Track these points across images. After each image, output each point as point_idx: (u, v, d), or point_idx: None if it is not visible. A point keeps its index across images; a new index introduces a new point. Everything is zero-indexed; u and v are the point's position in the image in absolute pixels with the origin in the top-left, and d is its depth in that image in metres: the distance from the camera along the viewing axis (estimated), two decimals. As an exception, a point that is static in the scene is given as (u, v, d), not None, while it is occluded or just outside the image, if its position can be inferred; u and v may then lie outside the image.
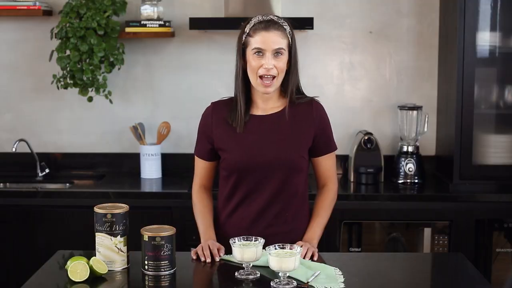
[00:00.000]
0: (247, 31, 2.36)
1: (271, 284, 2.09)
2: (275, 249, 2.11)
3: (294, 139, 2.41)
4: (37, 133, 3.96)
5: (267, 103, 2.43)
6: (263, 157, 2.38)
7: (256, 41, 2.33)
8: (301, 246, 2.26)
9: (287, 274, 2.09)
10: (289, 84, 2.40)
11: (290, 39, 2.38)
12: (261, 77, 2.34)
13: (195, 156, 2.56)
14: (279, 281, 2.09)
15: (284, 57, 2.35)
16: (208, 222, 2.50)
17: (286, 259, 2.07)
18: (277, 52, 2.33)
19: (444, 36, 3.71)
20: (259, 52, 2.32)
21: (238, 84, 2.40)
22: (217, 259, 2.29)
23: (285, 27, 2.37)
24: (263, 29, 2.33)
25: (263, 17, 2.37)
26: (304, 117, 2.43)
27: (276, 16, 2.41)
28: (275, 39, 2.32)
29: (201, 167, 2.55)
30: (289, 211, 2.45)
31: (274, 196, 2.41)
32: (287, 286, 2.08)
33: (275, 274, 2.17)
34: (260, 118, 2.42)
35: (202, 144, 2.50)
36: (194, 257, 2.33)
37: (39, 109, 3.95)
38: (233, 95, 2.46)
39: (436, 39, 3.83)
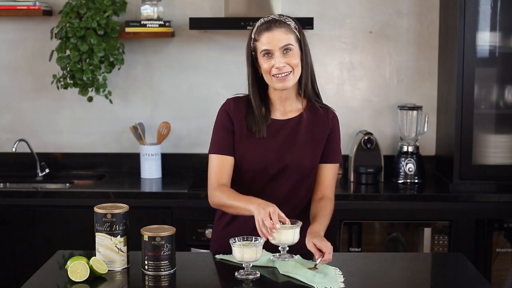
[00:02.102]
0: (253, 37, 2.35)
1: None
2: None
3: (310, 145, 2.40)
4: (37, 133, 3.96)
5: (285, 104, 2.41)
6: (279, 161, 2.37)
7: (262, 43, 2.31)
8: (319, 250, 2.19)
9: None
10: (302, 79, 2.37)
11: (297, 33, 2.34)
12: (274, 75, 2.31)
13: (212, 155, 2.41)
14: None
15: (295, 52, 2.32)
16: (244, 196, 2.29)
17: (285, 231, 2.06)
18: (285, 49, 2.30)
19: (444, 36, 3.71)
20: (268, 53, 2.31)
21: (252, 90, 2.38)
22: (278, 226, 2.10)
23: (288, 22, 2.33)
24: (266, 29, 2.30)
25: (265, 18, 2.36)
26: (320, 125, 2.43)
27: (279, 14, 2.39)
28: (279, 37, 2.29)
29: (220, 163, 2.38)
30: (296, 215, 2.42)
31: (282, 201, 2.38)
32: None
33: (275, 274, 2.18)
34: (279, 123, 2.41)
35: (224, 138, 2.39)
36: (265, 238, 2.14)
37: (39, 109, 3.95)
38: (246, 93, 2.45)
39: (436, 39, 3.83)
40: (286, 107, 2.42)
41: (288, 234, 2.10)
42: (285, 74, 2.30)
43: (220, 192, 2.34)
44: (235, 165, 2.41)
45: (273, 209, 2.14)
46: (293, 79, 2.33)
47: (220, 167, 2.38)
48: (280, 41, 2.29)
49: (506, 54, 3.51)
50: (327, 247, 2.17)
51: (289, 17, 2.37)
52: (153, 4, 3.73)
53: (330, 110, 2.47)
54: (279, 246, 2.14)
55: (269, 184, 2.40)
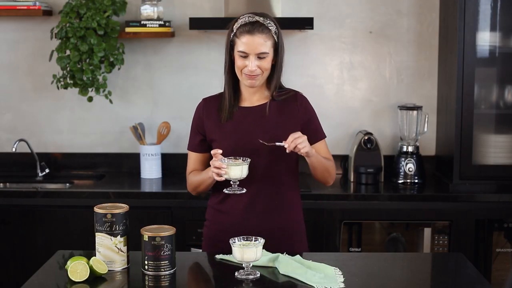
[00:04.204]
0: (234, 31, 2.46)
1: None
2: None
3: (279, 127, 2.49)
4: (37, 133, 3.96)
5: (253, 96, 2.54)
6: (249, 144, 2.46)
7: (241, 43, 2.43)
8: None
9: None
10: (273, 80, 2.50)
11: (276, 38, 2.46)
12: (245, 74, 2.45)
13: (188, 151, 2.63)
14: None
15: (269, 57, 2.45)
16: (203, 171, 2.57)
17: (234, 167, 2.30)
18: (261, 53, 2.42)
19: (444, 36, 3.71)
20: (244, 54, 2.42)
21: (226, 77, 2.53)
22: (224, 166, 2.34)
23: (270, 27, 2.44)
24: (248, 32, 2.42)
25: (249, 18, 2.44)
26: (290, 108, 2.53)
27: (263, 16, 2.46)
28: (258, 43, 2.41)
29: (193, 159, 2.61)
30: (279, 199, 2.51)
31: (263, 182, 2.48)
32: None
33: (275, 274, 2.18)
34: (247, 109, 2.53)
35: (194, 137, 2.60)
36: (219, 178, 2.37)
37: (39, 109, 3.95)
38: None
39: (436, 39, 3.83)
40: (254, 97, 2.54)
41: (237, 170, 2.32)
42: (255, 75, 2.44)
43: (190, 176, 2.60)
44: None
45: (214, 155, 2.36)
46: (262, 79, 2.48)
47: (193, 161, 2.62)
48: (258, 48, 2.42)
49: (506, 54, 3.51)
50: (299, 134, 2.36)
51: (272, 19, 2.47)
52: (153, 4, 3.73)
53: (298, 94, 2.58)
54: (230, 181, 2.36)
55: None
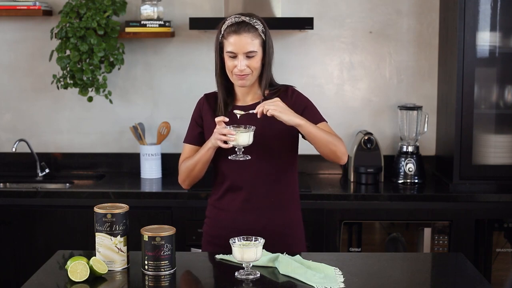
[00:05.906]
0: (222, 32, 2.48)
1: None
2: None
3: (272, 123, 2.47)
4: (37, 133, 3.96)
5: (247, 96, 2.56)
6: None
7: (229, 44, 2.44)
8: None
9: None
10: (263, 79, 2.51)
11: (263, 37, 2.47)
12: (235, 74, 2.47)
13: (184, 144, 2.62)
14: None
15: (258, 57, 2.46)
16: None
17: (242, 134, 2.31)
18: (249, 52, 2.43)
19: (444, 36, 3.71)
20: (232, 54, 2.44)
21: (218, 79, 2.54)
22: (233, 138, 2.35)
23: (257, 26, 2.46)
24: (234, 32, 2.43)
25: (236, 18, 2.46)
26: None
27: (249, 16, 2.47)
28: (246, 42, 2.43)
29: (189, 151, 2.58)
30: (275, 196, 2.52)
31: (259, 178, 2.50)
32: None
33: (275, 274, 2.18)
34: (241, 108, 2.53)
35: (193, 130, 2.61)
36: (225, 145, 2.37)
37: (39, 109, 3.95)
38: None
39: (436, 39, 3.83)
40: (247, 97, 2.56)
41: (244, 136, 2.34)
42: (245, 74, 2.45)
43: (184, 162, 2.56)
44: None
45: (218, 123, 2.37)
46: (252, 79, 2.49)
47: (187, 153, 2.59)
48: (245, 47, 2.43)
49: (506, 54, 3.51)
50: (271, 100, 2.36)
51: (258, 18, 2.49)
52: (153, 4, 3.74)
53: (289, 88, 2.59)
54: (235, 148, 2.37)
55: (242, 164, 2.45)
